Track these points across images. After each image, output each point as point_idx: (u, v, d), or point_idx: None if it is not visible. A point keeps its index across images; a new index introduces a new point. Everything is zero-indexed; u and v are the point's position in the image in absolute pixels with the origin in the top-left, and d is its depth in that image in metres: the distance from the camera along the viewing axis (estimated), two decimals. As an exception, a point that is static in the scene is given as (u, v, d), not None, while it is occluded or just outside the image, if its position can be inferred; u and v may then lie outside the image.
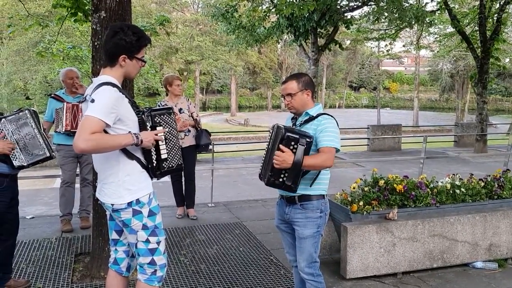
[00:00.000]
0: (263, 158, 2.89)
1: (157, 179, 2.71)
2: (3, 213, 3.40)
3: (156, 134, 2.59)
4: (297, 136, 2.67)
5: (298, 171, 2.68)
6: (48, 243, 4.89)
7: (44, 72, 24.14)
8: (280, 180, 2.72)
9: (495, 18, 13.17)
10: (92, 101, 2.39)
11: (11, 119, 3.33)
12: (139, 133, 2.53)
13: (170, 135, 2.70)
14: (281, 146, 2.66)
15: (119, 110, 2.45)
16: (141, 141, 2.50)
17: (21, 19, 7.81)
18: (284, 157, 2.63)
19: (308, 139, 2.69)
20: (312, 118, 2.90)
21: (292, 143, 2.66)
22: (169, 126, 2.70)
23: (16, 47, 27.35)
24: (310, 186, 2.86)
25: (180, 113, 5.59)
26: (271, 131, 2.86)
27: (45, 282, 3.91)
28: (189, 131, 5.61)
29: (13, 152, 3.30)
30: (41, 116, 3.94)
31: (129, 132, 2.50)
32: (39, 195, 7.99)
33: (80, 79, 5.31)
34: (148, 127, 2.59)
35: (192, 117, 5.67)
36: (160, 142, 2.62)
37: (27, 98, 31.80)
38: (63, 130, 4.95)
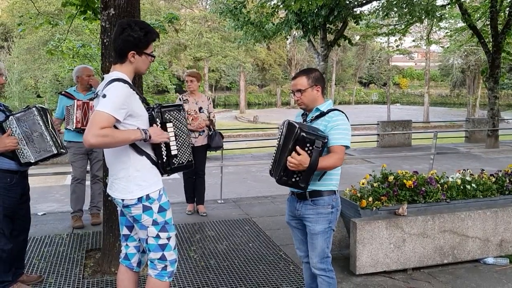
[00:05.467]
0: (274, 154, 2.89)
1: (168, 175, 2.72)
2: (14, 209, 3.44)
3: (166, 130, 2.61)
4: (313, 138, 2.64)
5: (312, 173, 2.68)
6: (59, 239, 4.94)
7: (54, 70, 24.36)
8: (293, 180, 2.72)
9: (506, 12, 13.00)
10: (104, 96, 2.41)
11: (19, 117, 3.36)
12: (147, 128, 2.55)
13: (180, 131, 2.72)
14: (297, 148, 2.62)
15: (129, 106, 2.47)
16: (150, 137, 2.52)
17: (31, 18, 7.87)
18: (300, 161, 2.61)
19: (323, 140, 2.66)
20: (322, 114, 2.89)
21: (308, 145, 2.63)
22: (179, 123, 2.72)
23: (27, 46, 27.65)
24: (318, 180, 2.84)
25: (200, 112, 5.59)
26: (281, 127, 2.85)
27: (57, 278, 3.95)
28: (203, 131, 5.62)
29: (21, 149, 3.34)
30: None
31: (138, 128, 2.52)
32: (50, 192, 8.07)
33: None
34: (158, 123, 2.61)
35: (209, 117, 5.68)
36: (170, 139, 2.63)
37: (38, 96, 32.15)
38: (74, 127, 4.99)
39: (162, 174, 2.69)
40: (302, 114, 3.07)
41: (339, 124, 2.80)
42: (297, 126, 2.66)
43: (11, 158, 3.35)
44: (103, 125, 2.34)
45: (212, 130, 5.69)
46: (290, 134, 2.70)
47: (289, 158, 2.64)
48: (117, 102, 2.40)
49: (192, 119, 5.50)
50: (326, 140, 2.68)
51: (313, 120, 2.91)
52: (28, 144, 3.36)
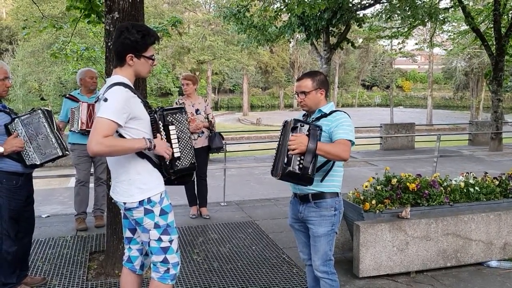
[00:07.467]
0: (275, 155, 2.89)
1: (171, 178, 2.70)
2: (19, 211, 3.46)
3: (171, 146, 2.62)
4: (308, 123, 2.67)
5: (313, 155, 2.60)
6: (63, 241, 4.96)
7: (58, 73, 24.48)
8: (297, 167, 2.61)
9: (510, 15, 12.99)
10: (105, 100, 2.43)
11: (24, 119, 3.39)
12: (152, 138, 2.56)
13: (182, 133, 2.73)
14: (293, 133, 2.62)
15: (131, 109, 2.48)
16: (154, 146, 2.54)
17: (35, 21, 7.93)
18: (300, 139, 2.57)
19: (319, 127, 2.68)
20: (325, 115, 2.91)
21: (303, 129, 2.63)
22: (181, 125, 2.72)
23: (31, 49, 27.80)
24: (321, 181, 2.84)
25: (197, 114, 5.61)
26: (281, 129, 2.86)
27: (61, 280, 3.97)
28: (202, 132, 5.63)
29: (26, 151, 3.37)
30: (55, 117, 3.99)
31: (143, 137, 2.54)
32: (54, 194, 8.10)
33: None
34: (160, 126, 2.62)
35: (207, 118, 5.69)
36: (173, 141, 2.65)
37: (42, 99, 32.28)
38: (79, 129, 5.01)
39: (165, 177, 2.69)
40: (304, 115, 3.08)
41: (342, 122, 2.81)
42: (292, 118, 2.74)
43: (17, 160, 3.38)
44: (105, 132, 2.36)
45: (212, 131, 5.71)
46: (286, 127, 2.75)
47: (288, 141, 2.60)
48: (117, 107, 2.42)
49: (189, 122, 5.52)
50: (321, 129, 2.71)
51: (315, 121, 2.92)
52: (33, 146, 3.39)
